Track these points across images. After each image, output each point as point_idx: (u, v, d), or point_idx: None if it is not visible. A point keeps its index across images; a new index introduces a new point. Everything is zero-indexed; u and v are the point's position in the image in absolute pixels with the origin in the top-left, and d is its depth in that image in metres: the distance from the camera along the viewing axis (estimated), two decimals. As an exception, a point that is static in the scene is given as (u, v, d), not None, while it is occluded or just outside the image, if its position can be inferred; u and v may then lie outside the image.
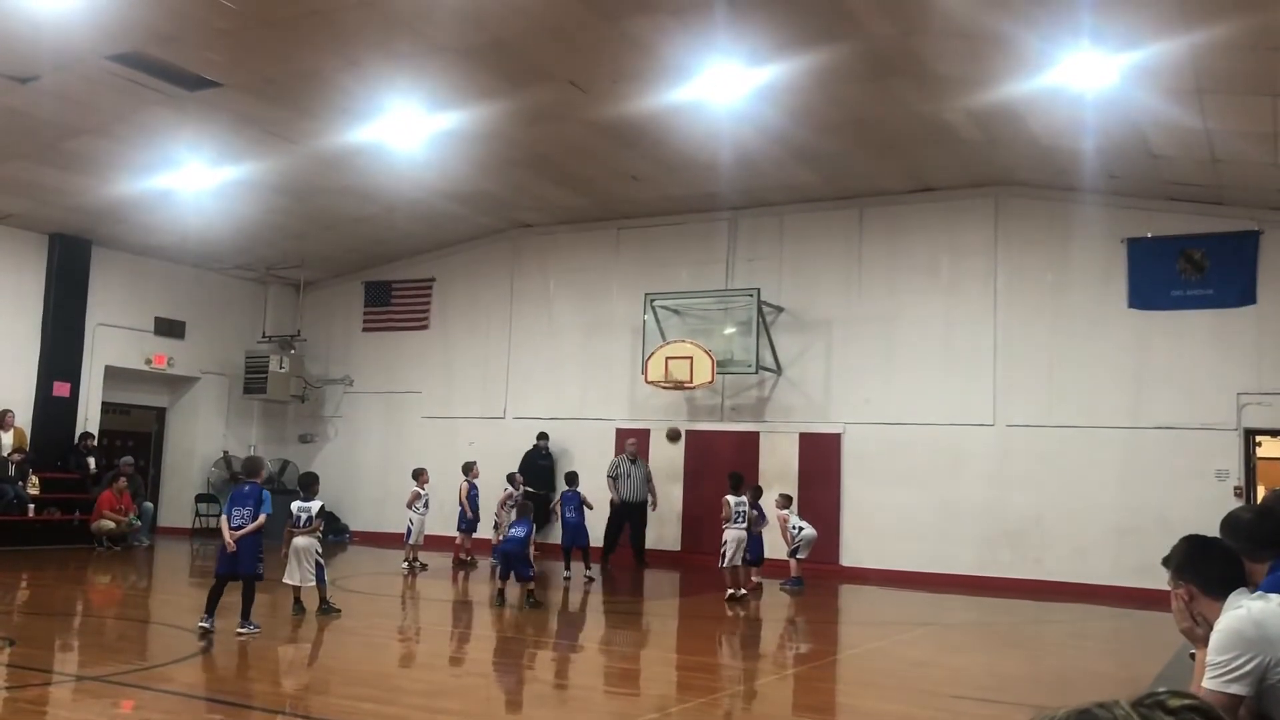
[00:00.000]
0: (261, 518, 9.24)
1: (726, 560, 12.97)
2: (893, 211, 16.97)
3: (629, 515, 17.14)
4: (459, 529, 16.30)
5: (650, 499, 17.15)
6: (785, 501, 14.66)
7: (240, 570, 9.20)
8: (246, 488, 9.48)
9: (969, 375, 16.12)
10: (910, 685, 8.37)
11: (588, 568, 14.61)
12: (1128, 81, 11.19)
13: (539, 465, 18.00)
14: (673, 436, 17.82)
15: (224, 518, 9.45)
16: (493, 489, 16.41)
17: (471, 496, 16.31)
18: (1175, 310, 15.04)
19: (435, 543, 16.33)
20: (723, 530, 13.17)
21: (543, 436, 18.36)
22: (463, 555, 16.26)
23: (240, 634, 8.99)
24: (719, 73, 12.01)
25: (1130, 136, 12.91)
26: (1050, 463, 15.45)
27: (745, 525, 13.26)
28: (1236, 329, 14.65)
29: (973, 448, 15.91)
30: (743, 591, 12.97)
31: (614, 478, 17.07)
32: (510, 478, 16.28)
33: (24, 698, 6.91)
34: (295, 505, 10.57)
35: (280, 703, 7.18)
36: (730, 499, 13.28)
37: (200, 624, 9.02)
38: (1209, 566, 3.64)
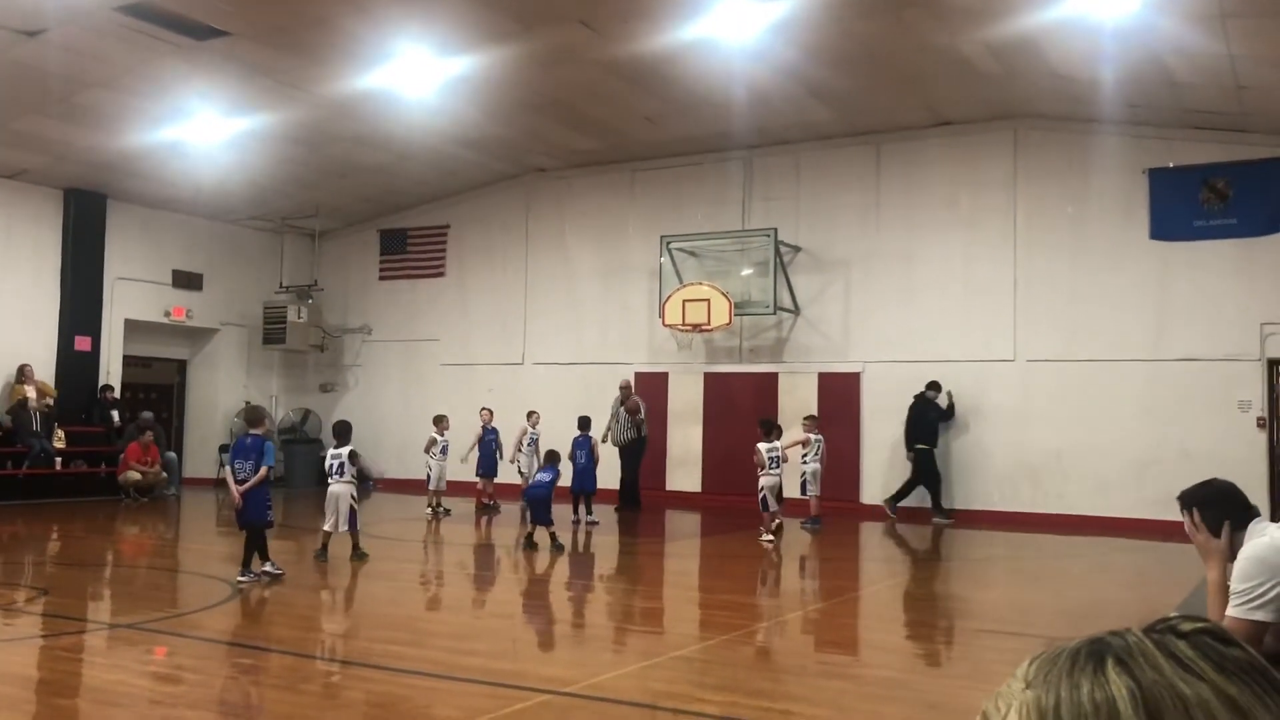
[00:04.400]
0: (264, 469, 9.27)
1: (769, 506, 12.99)
2: (910, 147, 16.76)
3: (620, 458, 16.64)
4: (478, 474, 16.43)
5: (634, 434, 16.58)
6: (813, 424, 14.78)
7: (247, 520, 9.31)
8: (249, 440, 9.48)
9: (989, 311, 16.01)
10: (933, 620, 8.43)
11: (589, 512, 14.70)
12: (1149, 8, 10.96)
13: (928, 419, 15.78)
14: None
15: (228, 470, 9.49)
16: (512, 433, 16.46)
17: (487, 442, 16.39)
18: (1198, 241, 14.86)
19: (458, 488, 16.46)
20: (758, 477, 13.16)
21: (933, 386, 15.90)
22: (485, 500, 16.39)
23: (240, 582, 9.04)
24: (731, 8, 11.82)
25: (1151, 65, 12.68)
26: (1071, 397, 15.40)
27: (779, 471, 13.27)
28: (1261, 258, 14.47)
29: (993, 383, 15.86)
30: (777, 523, 13.00)
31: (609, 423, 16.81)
32: (529, 416, 16.38)
33: (60, 645, 7.05)
34: (329, 453, 10.69)
35: (309, 647, 7.29)
36: (762, 446, 13.26)
37: (239, 579, 9.12)
38: (1209, 508, 3.73)
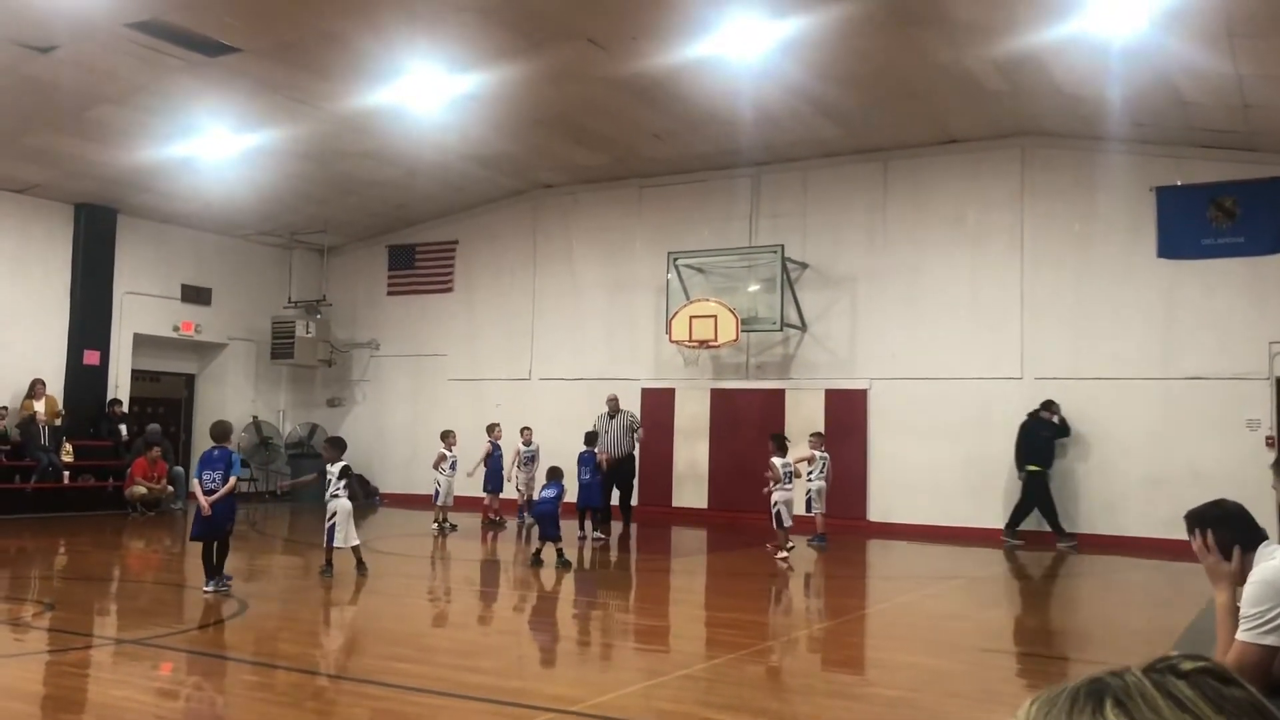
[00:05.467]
0: (233, 480, 9.40)
1: (782, 522, 12.90)
2: (917, 164, 16.79)
3: (611, 473, 15.53)
4: (485, 490, 16.43)
5: (633, 447, 15.99)
6: (819, 441, 14.69)
7: (209, 529, 9.39)
8: (216, 452, 9.56)
9: (996, 328, 16.00)
10: (940, 639, 8.39)
11: (595, 528, 14.68)
12: (1157, 27, 10.98)
13: (1041, 438, 15.15)
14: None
15: (195, 481, 9.54)
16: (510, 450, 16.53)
17: (495, 458, 16.41)
18: (1206, 259, 14.84)
19: (464, 504, 16.46)
20: (770, 492, 13.07)
21: (1048, 406, 15.23)
22: (492, 515, 16.39)
23: (226, 586, 9.27)
24: (739, 26, 11.86)
25: (1159, 83, 12.69)
26: (1079, 415, 15.34)
27: (792, 486, 13.20)
28: (1269, 276, 14.44)
29: (1001, 401, 15.81)
30: (790, 546, 12.92)
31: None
32: (521, 432, 16.37)
33: (66, 661, 7.04)
34: (327, 469, 10.70)
35: (314, 663, 7.28)
36: (776, 461, 13.16)
37: (205, 590, 9.24)
38: (1222, 529, 3.72)
